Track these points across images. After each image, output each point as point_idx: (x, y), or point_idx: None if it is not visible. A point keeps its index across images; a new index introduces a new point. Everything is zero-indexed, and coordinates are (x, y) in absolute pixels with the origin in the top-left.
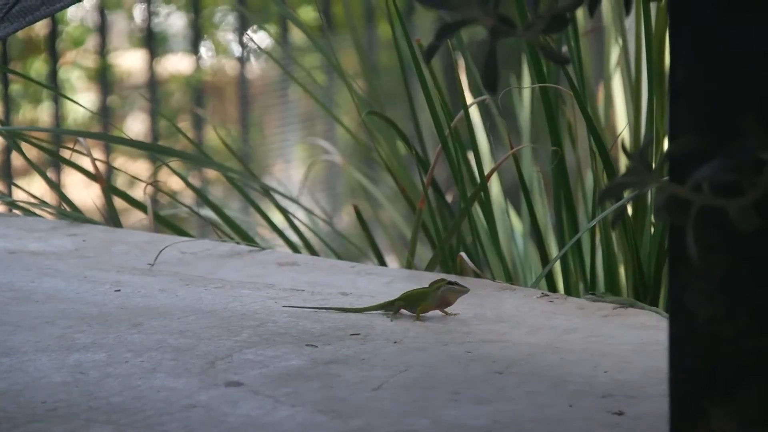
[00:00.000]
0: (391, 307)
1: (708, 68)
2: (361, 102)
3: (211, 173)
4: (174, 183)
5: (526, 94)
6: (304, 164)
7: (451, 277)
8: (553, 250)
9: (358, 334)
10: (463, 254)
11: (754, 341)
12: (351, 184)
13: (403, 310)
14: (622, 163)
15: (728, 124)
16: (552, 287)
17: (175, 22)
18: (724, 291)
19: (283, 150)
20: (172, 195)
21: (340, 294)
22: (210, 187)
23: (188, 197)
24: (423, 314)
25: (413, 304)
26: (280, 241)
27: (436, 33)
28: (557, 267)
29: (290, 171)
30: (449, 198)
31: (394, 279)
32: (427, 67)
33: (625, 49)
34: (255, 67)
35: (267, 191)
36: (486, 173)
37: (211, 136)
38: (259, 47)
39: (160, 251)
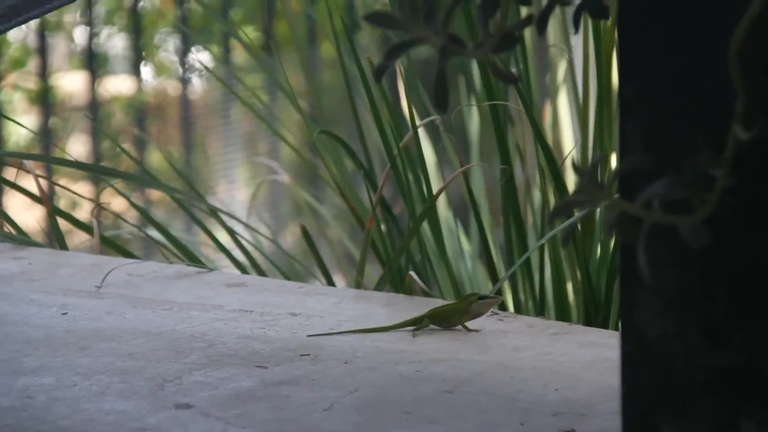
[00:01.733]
0: (418, 324)
1: (656, 85)
2: (308, 121)
3: (153, 195)
4: (116, 205)
5: (475, 112)
6: (248, 185)
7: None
8: (502, 269)
9: (308, 354)
10: (412, 273)
11: (706, 358)
12: (296, 203)
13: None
14: (570, 180)
15: (678, 141)
16: (501, 306)
17: (116, 43)
18: (674, 308)
19: (226, 170)
20: (118, 216)
21: (290, 315)
22: (153, 208)
23: (131, 219)
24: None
25: (442, 319)
26: (225, 262)
27: (385, 53)
28: (506, 285)
29: (234, 191)
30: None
31: (343, 299)
32: (376, 86)
33: (571, 66)
34: (197, 87)
35: (213, 212)
36: (435, 192)
37: (154, 158)
38: (202, 66)
39: (107, 273)
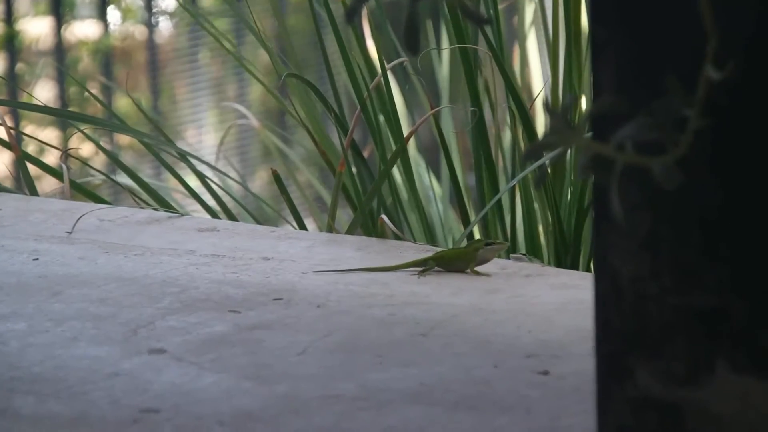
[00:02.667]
0: (423, 265)
1: (628, 26)
2: (277, 64)
3: (121, 140)
4: (84, 150)
5: (445, 55)
6: (216, 129)
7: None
8: (473, 212)
9: (281, 299)
10: (384, 217)
11: (678, 299)
12: (265, 147)
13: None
14: (540, 122)
15: (650, 82)
16: None
17: None
18: (647, 250)
19: (194, 115)
20: (86, 162)
21: (262, 259)
22: (121, 154)
23: (99, 165)
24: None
25: (448, 263)
26: (195, 206)
27: None
28: (478, 228)
29: (202, 136)
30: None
31: (315, 243)
32: (345, 29)
33: (541, 8)
34: (164, 32)
35: (183, 156)
36: (405, 135)
37: (121, 103)
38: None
39: (78, 219)
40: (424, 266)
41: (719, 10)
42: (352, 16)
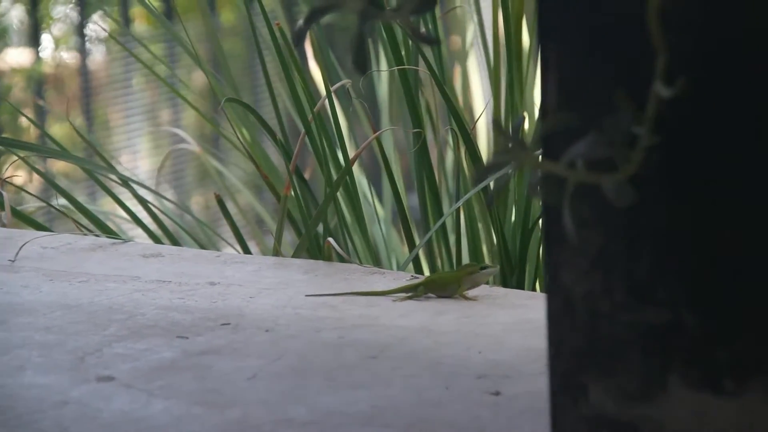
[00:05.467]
0: (414, 291)
1: (578, 43)
2: (216, 88)
3: (54, 167)
4: (20, 178)
5: (384, 76)
6: (151, 155)
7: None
8: (416, 233)
9: (229, 323)
10: (331, 240)
11: (631, 315)
12: (202, 172)
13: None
14: (482, 143)
15: (600, 99)
16: (418, 270)
17: (13, 15)
18: (600, 267)
19: (129, 141)
20: (25, 189)
21: (208, 284)
22: (56, 180)
23: (34, 192)
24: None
25: (439, 287)
26: (135, 232)
27: (305, 17)
28: (422, 250)
29: (138, 162)
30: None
31: (261, 267)
32: (281, 52)
33: (481, 28)
34: (97, 58)
35: (125, 182)
36: (351, 157)
37: (53, 131)
38: (103, 33)
39: (21, 247)
40: (415, 292)
41: (668, 26)
42: (300, 39)
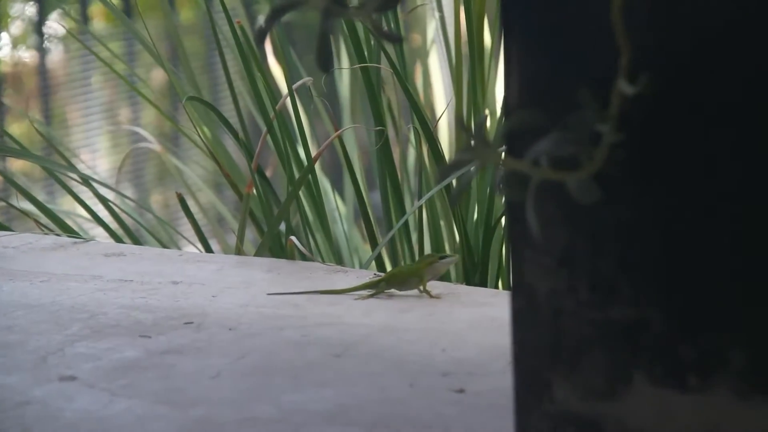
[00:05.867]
0: (376, 288)
1: (541, 41)
2: (177, 85)
3: (12, 165)
4: None
5: (345, 74)
6: (110, 153)
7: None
8: (378, 231)
9: (192, 322)
10: (293, 238)
11: (596, 313)
12: (160, 171)
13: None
14: (444, 140)
15: (564, 97)
16: (381, 268)
17: None
18: (564, 265)
19: (88, 140)
20: None
21: (171, 283)
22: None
23: None
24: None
25: (401, 282)
26: (95, 231)
27: (268, 15)
28: (384, 248)
29: (96, 161)
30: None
31: (224, 265)
32: (241, 50)
33: (442, 25)
34: (56, 57)
35: (86, 180)
36: (313, 156)
37: (13, 130)
38: (62, 31)
39: None
40: (377, 288)
41: (630, 23)
42: (263, 38)
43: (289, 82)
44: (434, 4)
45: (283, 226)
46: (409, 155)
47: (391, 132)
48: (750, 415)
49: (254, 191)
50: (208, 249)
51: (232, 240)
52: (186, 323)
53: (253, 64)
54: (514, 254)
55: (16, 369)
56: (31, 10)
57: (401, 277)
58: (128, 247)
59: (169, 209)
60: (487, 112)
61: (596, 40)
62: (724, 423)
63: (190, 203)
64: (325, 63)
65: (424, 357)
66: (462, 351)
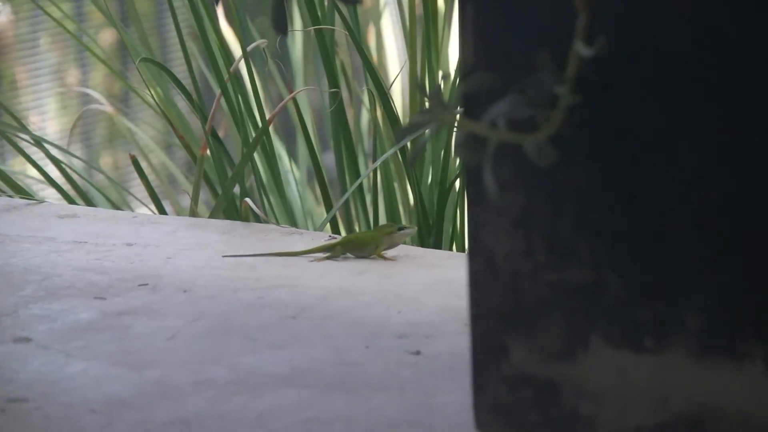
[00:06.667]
0: (332, 251)
1: (497, 2)
2: (130, 47)
3: None
4: None
5: (298, 36)
6: (59, 115)
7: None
8: (331, 193)
9: (147, 284)
10: (248, 200)
11: (553, 275)
12: (110, 133)
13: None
14: (398, 102)
15: (521, 59)
16: (335, 230)
17: None
18: (522, 227)
19: (36, 101)
20: None
21: (125, 245)
22: None
23: None
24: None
25: (356, 247)
26: (46, 193)
27: None
28: (339, 210)
29: (45, 123)
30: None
31: (178, 227)
32: (203, 11)
33: None
34: (2, 18)
35: (38, 142)
36: (267, 117)
37: None
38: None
39: None
40: (332, 252)
41: None
42: None
43: (243, 44)
44: None
45: (237, 189)
46: (363, 117)
47: (345, 94)
48: (705, 375)
49: (208, 153)
50: (162, 211)
51: (185, 202)
52: (141, 285)
53: (208, 25)
54: (470, 216)
55: None
56: None
57: (358, 243)
58: (82, 209)
59: (120, 171)
60: (445, 73)
61: (553, 1)
62: (679, 383)
63: (143, 165)
64: (281, 25)
65: (380, 319)
66: (418, 313)
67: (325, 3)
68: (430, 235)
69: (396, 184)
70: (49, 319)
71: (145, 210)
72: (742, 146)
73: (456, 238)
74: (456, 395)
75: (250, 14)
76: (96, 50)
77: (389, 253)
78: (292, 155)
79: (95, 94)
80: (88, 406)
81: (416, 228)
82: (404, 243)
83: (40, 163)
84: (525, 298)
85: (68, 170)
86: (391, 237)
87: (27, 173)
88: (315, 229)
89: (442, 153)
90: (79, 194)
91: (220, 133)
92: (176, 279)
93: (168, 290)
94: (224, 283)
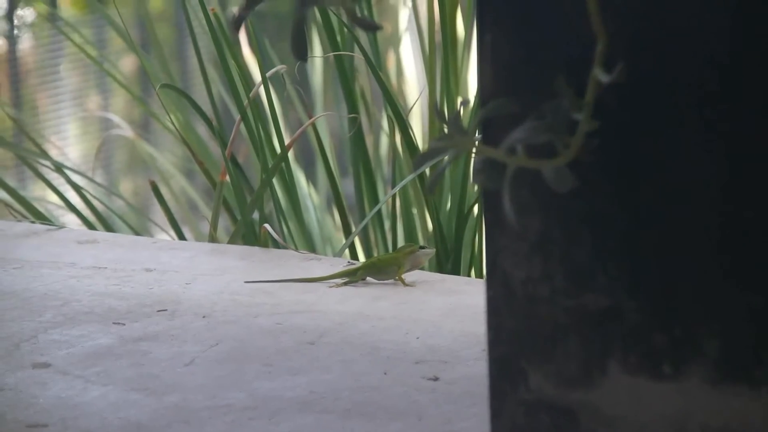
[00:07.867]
0: (353, 276)
1: (516, 28)
2: (150, 73)
3: None
4: None
5: (317, 63)
6: (80, 141)
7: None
8: (350, 219)
9: (166, 310)
10: (267, 226)
11: (570, 300)
12: (131, 158)
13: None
14: (416, 128)
15: (539, 85)
16: (354, 256)
17: None
18: (539, 252)
19: (57, 127)
20: None
21: (145, 270)
22: None
23: None
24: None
25: (379, 270)
26: (67, 218)
27: (244, 3)
28: (358, 236)
29: (66, 148)
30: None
31: (197, 253)
32: (232, 39)
33: (415, 13)
34: (25, 45)
35: (59, 168)
36: (287, 143)
37: None
38: (32, 17)
39: None
40: (353, 276)
41: (607, 11)
42: (239, 25)
43: (263, 70)
44: None
45: (256, 214)
46: (382, 143)
47: (364, 120)
48: (722, 402)
49: (227, 179)
50: (181, 236)
51: (205, 227)
52: (160, 310)
53: (227, 51)
54: (488, 242)
55: None
56: None
57: (380, 265)
58: (101, 234)
59: (141, 196)
60: (460, 99)
61: (571, 28)
62: (697, 410)
63: (163, 190)
64: (301, 51)
65: (398, 345)
66: (436, 339)
67: (345, 29)
68: (449, 261)
69: (415, 210)
70: (68, 344)
71: (164, 236)
72: (764, 172)
73: (474, 263)
74: (474, 421)
75: (270, 40)
76: (117, 76)
77: (408, 278)
78: (312, 181)
79: (116, 119)
80: (106, 431)
81: (435, 249)
82: (422, 269)
83: (60, 188)
84: (542, 323)
85: (88, 196)
86: (415, 256)
87: (47, 199)
88: (334, 255)
89: (461, 179)
90: (99, 220)
91: (240, 159)
92: (195, 304)
93: (187, 316)
94: (243, 309)
